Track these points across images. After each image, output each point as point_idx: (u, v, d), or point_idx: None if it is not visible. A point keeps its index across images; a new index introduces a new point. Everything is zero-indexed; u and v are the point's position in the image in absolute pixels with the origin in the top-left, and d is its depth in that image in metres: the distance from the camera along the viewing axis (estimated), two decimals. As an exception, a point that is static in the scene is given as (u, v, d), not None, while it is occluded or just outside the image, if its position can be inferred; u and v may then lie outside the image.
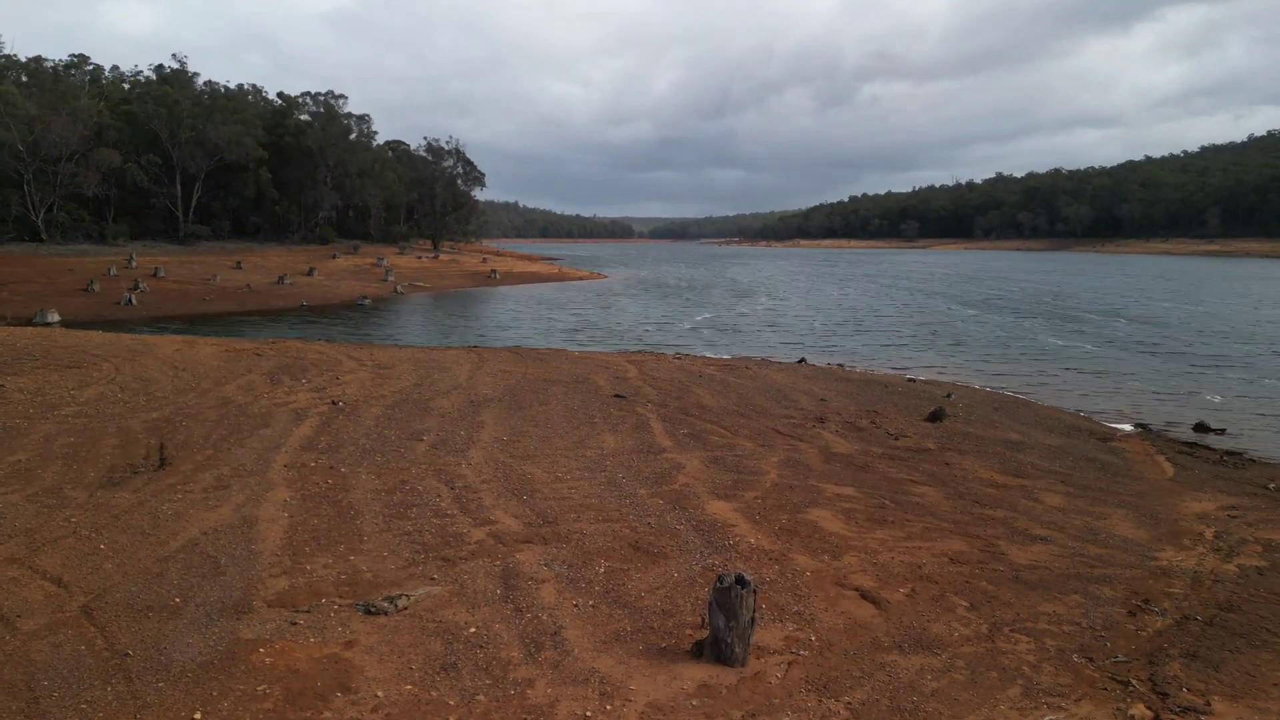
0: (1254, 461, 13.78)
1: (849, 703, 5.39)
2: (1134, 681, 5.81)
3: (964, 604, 7.06)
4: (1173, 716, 5.35)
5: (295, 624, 6.19)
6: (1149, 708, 5.46)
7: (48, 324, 28.14)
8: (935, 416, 15.09)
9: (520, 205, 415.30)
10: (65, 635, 5.91)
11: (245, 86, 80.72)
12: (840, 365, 24.41)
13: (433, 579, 7.08)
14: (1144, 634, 6.66)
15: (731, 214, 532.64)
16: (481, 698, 5.29)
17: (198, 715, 4.98)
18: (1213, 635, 6.64)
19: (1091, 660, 6.14)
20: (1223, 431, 16.16)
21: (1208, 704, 5.54)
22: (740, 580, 5.75)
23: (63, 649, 5.72)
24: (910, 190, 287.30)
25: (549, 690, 5.40)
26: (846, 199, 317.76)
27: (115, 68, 76.90)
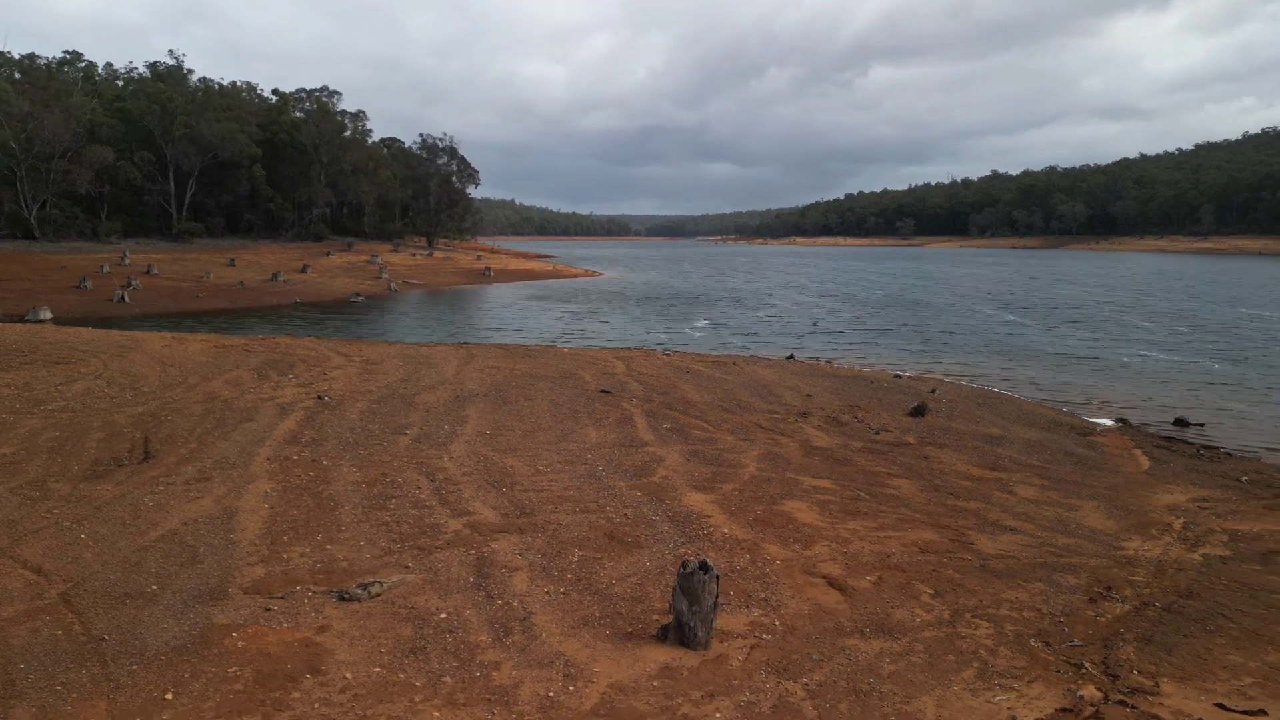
0: (1229, 455, 13.96)
1: (806, 684, 5.54)
2: (1087, 664, 5.97)
3: (929, 591, 7.21)
4: (1121, 697, 5.50)
5: (269, 610, 6.31)
6: (1099, 688, 5.62)
7: (40, 321, 28.16)
8: (918, 411, 15.25)
9: (516, 203, 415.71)
10: (43, 621, 6.03)
11: (239, 84, 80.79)
12: (828, 361, 24.57)
13: (407, 567, 7.20)
14: (1103, 620, 6.81)
15: (729, 211, 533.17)
16: (448, 679, 5.43)
17: (169, 695, 5.11)
18: (1169, 621, 6.80)
19: (1048, 644, 6.30)
20: (1201, 426, 16.35)
21: (1156, 685, 5.69)
22: (703, 565, 5.89)
23: (40, 634, 5.84)
24: (906, 188, 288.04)
25: (514, 672, 5.54)
26: (842, 196, 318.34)
27: (109, 64, 76.92)
